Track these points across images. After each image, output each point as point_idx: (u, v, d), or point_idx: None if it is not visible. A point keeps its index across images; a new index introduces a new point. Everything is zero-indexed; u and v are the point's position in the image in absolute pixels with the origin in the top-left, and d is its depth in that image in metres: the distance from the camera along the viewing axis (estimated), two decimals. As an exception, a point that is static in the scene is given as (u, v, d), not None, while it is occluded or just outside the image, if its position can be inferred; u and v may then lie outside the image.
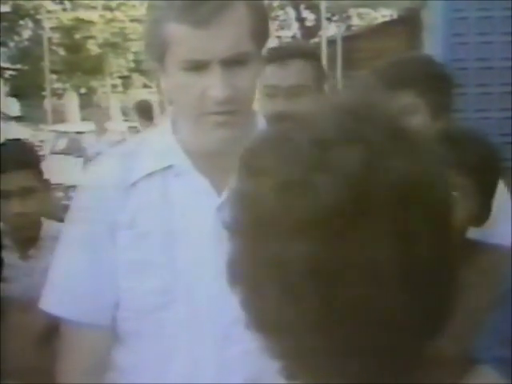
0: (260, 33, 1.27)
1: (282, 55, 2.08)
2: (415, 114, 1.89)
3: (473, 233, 1.60)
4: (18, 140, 2.46)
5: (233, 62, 1.23)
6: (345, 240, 0.60)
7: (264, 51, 1.32)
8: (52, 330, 1.63)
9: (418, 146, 0.65)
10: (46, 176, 2.22)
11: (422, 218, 0.62)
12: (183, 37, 1.21)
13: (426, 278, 0.63)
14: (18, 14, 24.88)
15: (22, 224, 2.11)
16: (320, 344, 0.63)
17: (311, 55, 2.21)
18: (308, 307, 0.62)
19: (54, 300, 1.38)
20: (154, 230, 1.32)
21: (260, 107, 2.02)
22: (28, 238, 2.17)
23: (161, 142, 1.37)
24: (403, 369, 0.66)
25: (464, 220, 1.52)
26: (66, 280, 1.37)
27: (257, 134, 0.72)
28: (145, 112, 7.57)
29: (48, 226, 2.18)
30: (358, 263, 0.60)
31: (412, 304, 0.62)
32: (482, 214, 1.60)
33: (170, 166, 1.34)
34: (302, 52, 2.15)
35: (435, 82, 1.95)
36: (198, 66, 1.23)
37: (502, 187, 1.96)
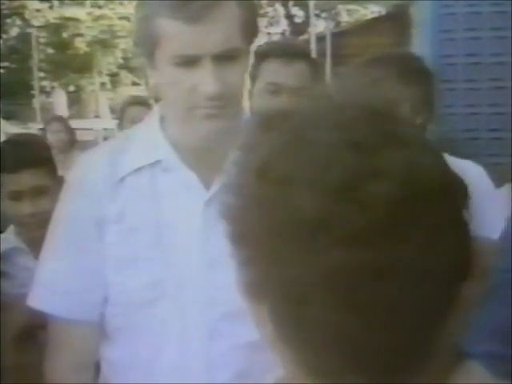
0: (250, 29, 1.28)
1: (286, 53, 2.05)
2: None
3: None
4: (28, 135, 2.29)
5: (223, 58, 1.24)
6: (397, 243, 0.59)
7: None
8: (33, 328, 1.61)
9: (427, 142, 0.65)
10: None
11: (449, 214, 0.62)
12: (174, 32, 1.22)
13: (449, 274, 0.63)
14: (5, 11, 24.74)
15: (34, 224, 1.98)
16: (337, 339, 0.61)
17: (312, 59, 2.21)
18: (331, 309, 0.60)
19: (42, 296, 1.37)
20: (143, 225, 1.32)
21: (260, 104, 2.02)
22: (42, 238, 2.09)
23: (149, 138, 1.36)
24: (412, 366, 0.65)
25: None
26: (54, 276, 1.36)
27: (264, 141, 0.65)
28: None
29: None
30: (411, 263, 0.60)
31: (437, 299, 0.63)
32: None
33: (157, 161, 1.33)
34: (304, 54, 2.15)
35: (416, 78, 1.96)
36: (188, 62, 1.23)
37: (487, 181, 1.97)
